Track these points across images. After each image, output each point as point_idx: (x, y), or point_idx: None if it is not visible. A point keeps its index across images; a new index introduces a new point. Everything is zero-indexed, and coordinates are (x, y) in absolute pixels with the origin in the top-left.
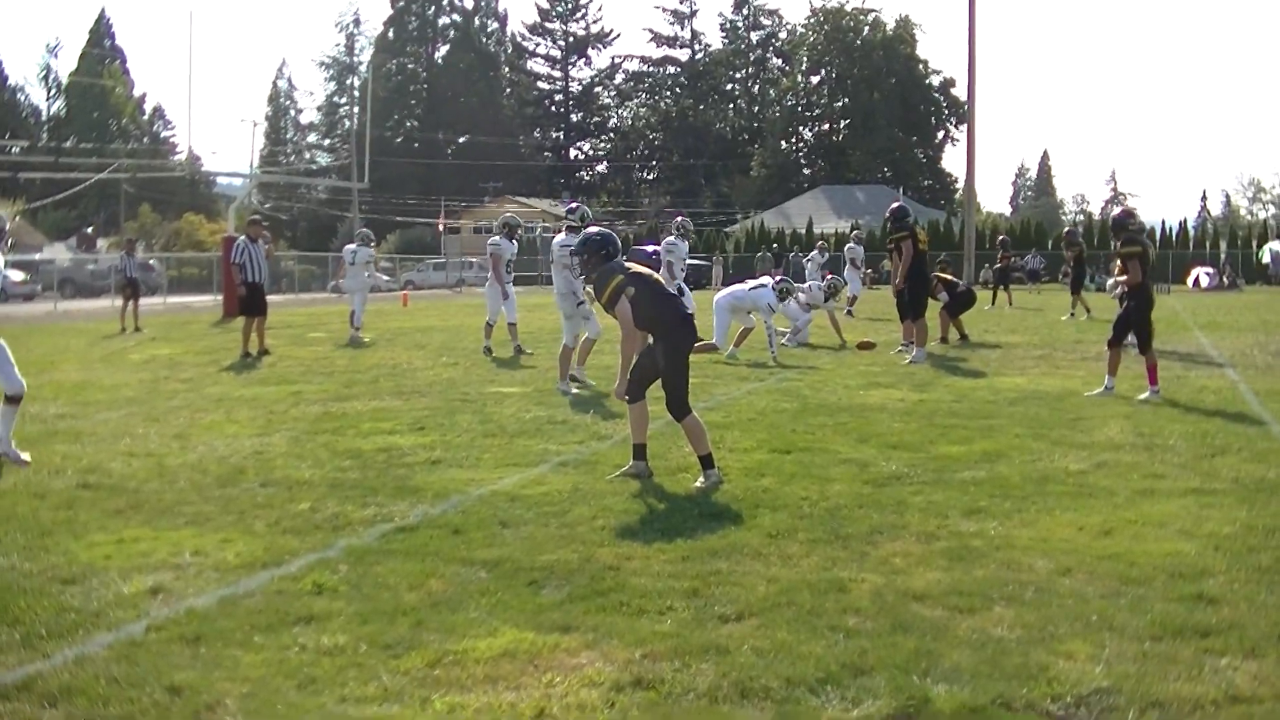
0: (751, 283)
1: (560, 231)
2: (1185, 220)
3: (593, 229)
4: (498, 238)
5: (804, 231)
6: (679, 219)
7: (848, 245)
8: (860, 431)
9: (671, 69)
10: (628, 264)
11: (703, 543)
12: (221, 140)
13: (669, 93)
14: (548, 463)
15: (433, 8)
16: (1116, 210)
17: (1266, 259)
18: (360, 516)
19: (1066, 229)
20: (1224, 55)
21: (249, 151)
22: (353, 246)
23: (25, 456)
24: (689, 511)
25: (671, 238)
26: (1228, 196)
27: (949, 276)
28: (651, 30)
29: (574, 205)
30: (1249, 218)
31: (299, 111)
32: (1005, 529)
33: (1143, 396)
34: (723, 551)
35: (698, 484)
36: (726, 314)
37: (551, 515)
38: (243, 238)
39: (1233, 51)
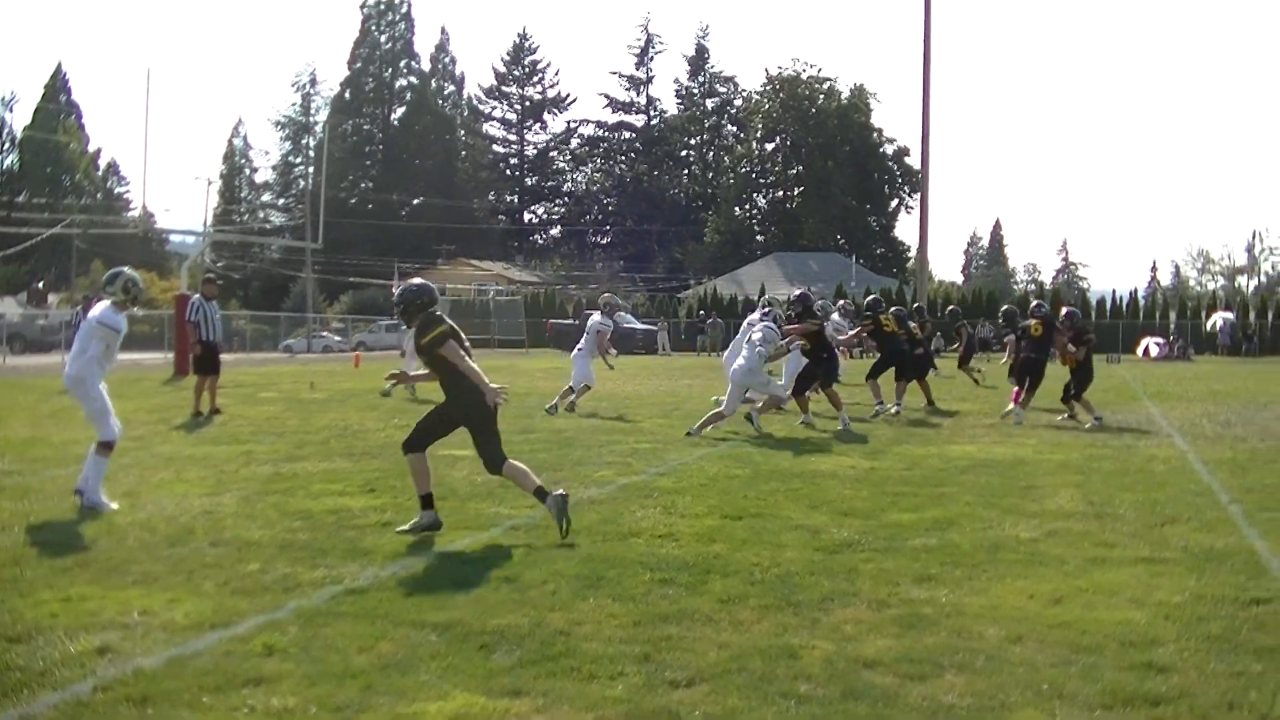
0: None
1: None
2: (1135, 290)
3: (415, 280)
4: (600, 316)
5: (757, 297)
6: (605, 296)
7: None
8: (812, 498)
9: (627, 134)
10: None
11: (654, 608)
12: (175, 197)
13: (624, 158)
14: (499, 526)
15: (390, 69)
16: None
17: (1216, 329)
18: (310, 578)
19: (1005, 307)
20: (1175, 128)
21: (203, 209)
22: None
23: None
24: (640, 576)
25: (598, 316)
26: (1177, 267)
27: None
28: (607, 96)
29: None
30: (1198, 288)
31: (254, 170)
32: (956, 596)
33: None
34: (674, 617)
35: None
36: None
37: (503, 579)
38: (197, 296)
39: (1183, 125)
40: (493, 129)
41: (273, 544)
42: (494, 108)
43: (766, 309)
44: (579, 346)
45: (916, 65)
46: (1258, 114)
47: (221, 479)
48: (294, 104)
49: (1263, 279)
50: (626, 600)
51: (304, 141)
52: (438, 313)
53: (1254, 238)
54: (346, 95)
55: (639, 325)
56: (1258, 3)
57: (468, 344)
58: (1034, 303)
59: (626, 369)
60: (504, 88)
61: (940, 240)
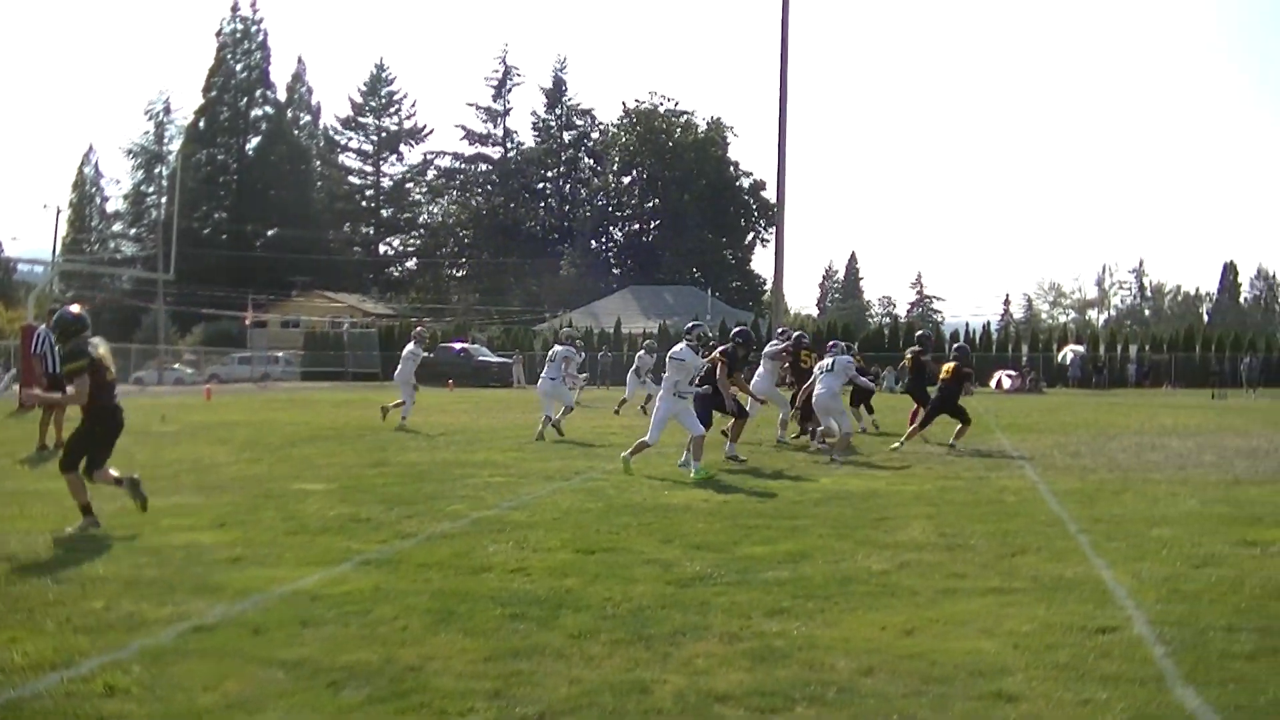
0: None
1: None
2: (988, 323)
3: (73, 308)
4: (562, 346)
5: (612, 331)
6: (565, 330)
7: (639, 354)
8: (665, 532)
9: (484, 166)
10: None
11: (505, 643)
12: (22, 226)
13: (480, 190)
14: (350, 561)
15: (245, 99)
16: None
17: (1066, 361)
18: (157, 615)
19: (920, 332)
20: (1027, 162)
21: (51, 238)
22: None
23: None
24: (492, 611)
25: (560, 347)
26: (1029, 300)
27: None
28: (464, 127)
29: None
30: (1050, 321)
31: (105, 199)
32: (808, 629)
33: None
34: (525, 652)
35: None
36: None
37: (353, 614)
38: (43, 327)
39: (1034, 159)
40: (349, 160)
41: (118, 580)
42: (350, 138)
43: (690, 337)
44: (549, 376)
45: (773, 99)
46: (1109, 149)
47: (67, 514)
48: (147, 132)
49: (1112, 312)
50: (478, 635)
51: (157, 170)
52: (88, 344)
53: (1104, 271)
54: (201, 124)
55: (494, 358)
56: (1107, 41)
57: (113, 374)
58: (956, 345)
59: (481, 402)
60: (360, 118)
61: (796, 273)
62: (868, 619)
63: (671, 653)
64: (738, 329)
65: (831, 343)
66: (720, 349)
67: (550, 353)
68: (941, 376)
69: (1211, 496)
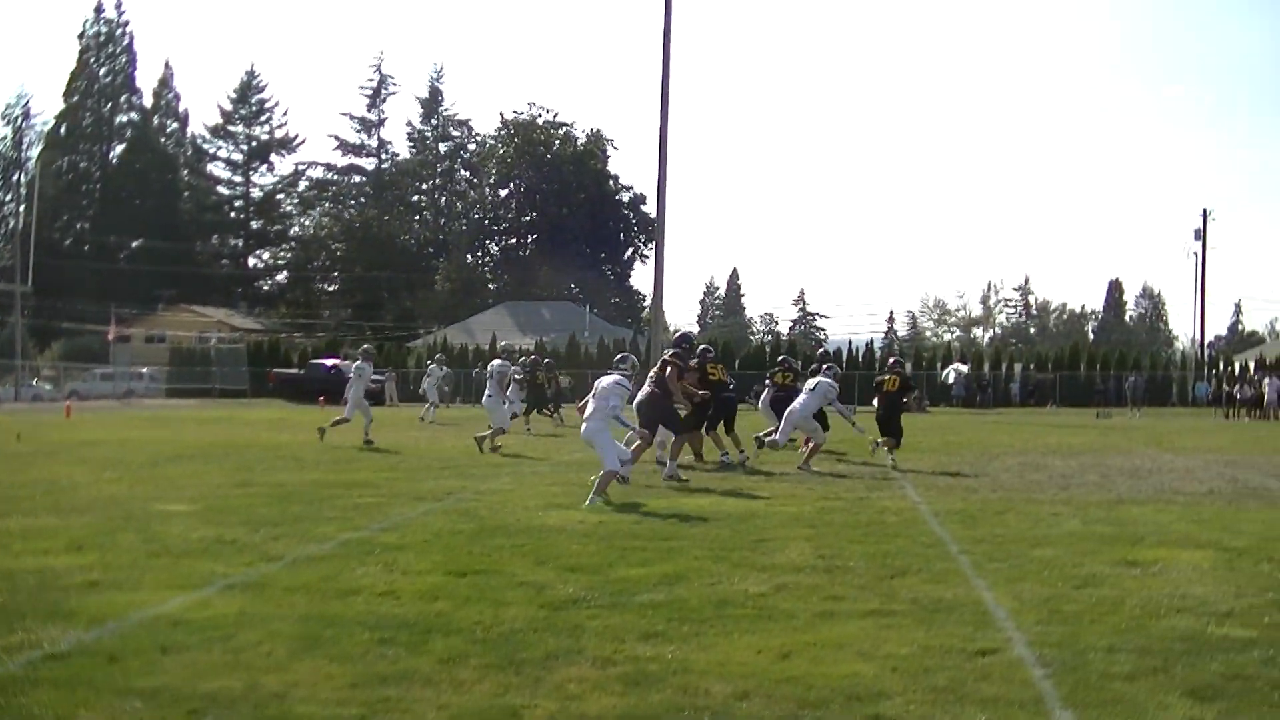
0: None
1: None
2: (872, 341)
3: None
4: (500, 361)
5: (488, 348)
6: (504, 344)
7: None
8: (538, 554)
9: (357, 178)
10: None
11: (373, 669)
12: None
13: (354, 202)
14: (214, 585)
15: (109, 104)
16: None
17: (950, 380)
18: (6, 643)
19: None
20: (910, 177)
21: None
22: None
23: None
24: (360, 636)
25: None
26: (914, 317)
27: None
28: (338, 137)
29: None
30: (934, 339)
31: None
32: (683, 653)
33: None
34: (393, 678)
35: None
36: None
37: (216, 640)
38: None
39: (918, 174)
40: (217, 169)
41: None
42: (219, 147)
43: (624, 366)
44: (488, 393)
45: (654, 111)
46: (994, 165)
47: None
48: (4, 137)
49: (997, 330)
50: (344, 661)
51: (15, 178)
52: None
53: (989, 288)
54: (62, 130)
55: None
56: (989, 57)
57: None
58: (891, 359)
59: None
60: (230, 126)
61: (676, 289)
62: (744, 642)
63: (543, 677)
64: (680, 334)
65: (827, 366)
66: (670, 353)
67: (488, 369)
68: (887, 389)
69: (1094, 516)
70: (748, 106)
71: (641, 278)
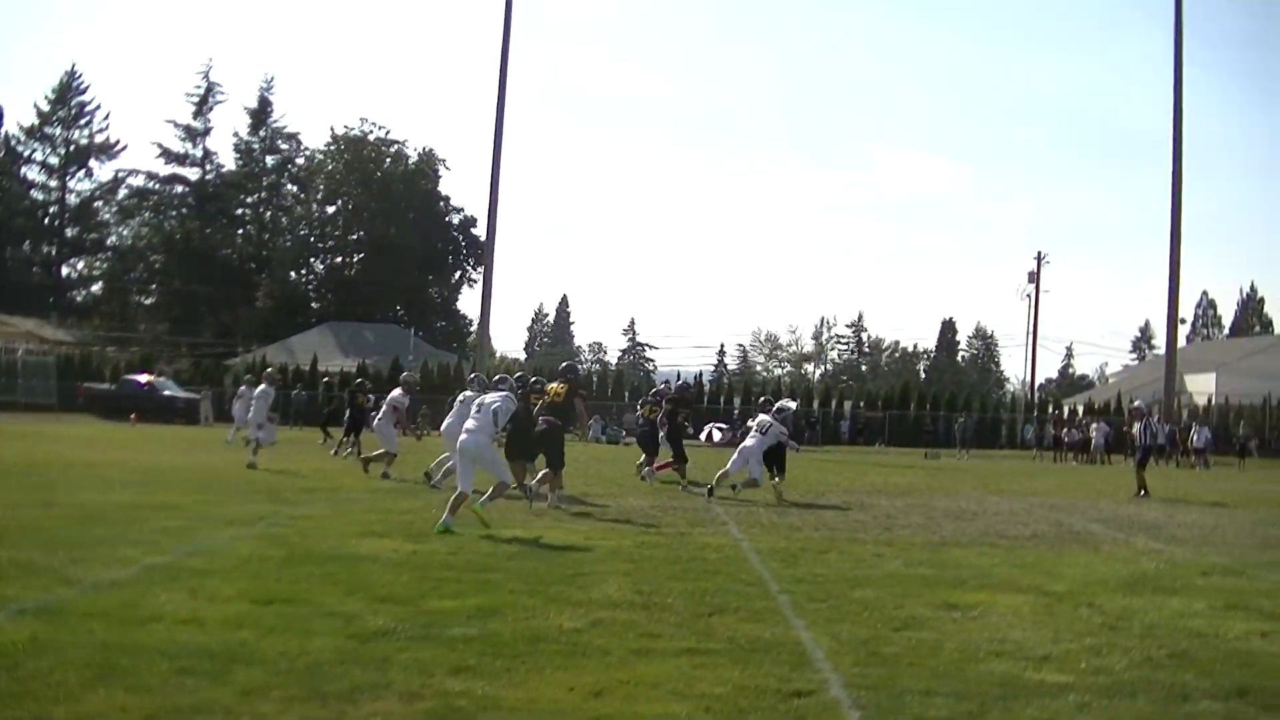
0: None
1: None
2: (700, 374)
3: None
4: (399, 392)
5: (309, 369)
6: (268, 370)
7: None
8: (349, 583)
9: (180, 188)
10: None
11: (171, 699)
12: None
13: (175, 213)
14: (5, 610)
15: None
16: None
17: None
18: None
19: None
20: (744, 209)
21: None
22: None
23: None
24: (158, 665)
25: (264, 386)
26: (745, 351)
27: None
28: (161, 145)
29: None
30: (765, 373)
31: None
32: (493, 689)
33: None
34: (191, 710)
35: None
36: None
37: (3, 669)
38: None
39: (754, 206)
40: (31, 173)
41: None
42: (34, 149)
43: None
44: (379, 416)
45: (488, 131)
46: (825, 201)
47: None
48: None
49: (829, 367)
50: (141, 692)
51: None
52: None
53: (822, 324)
54: None
55: (181, 394)
56: (812, 83)
57: None
58: (773, 403)
59: (165, 439)
60: (46, 129)
61: (504, 315)
62: (556, 679)
63: (347, 711)
64: (566, 364)
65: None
66: (566, 376)
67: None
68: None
69: (916, 558)
70: (581, 132)
71: (469, 302)
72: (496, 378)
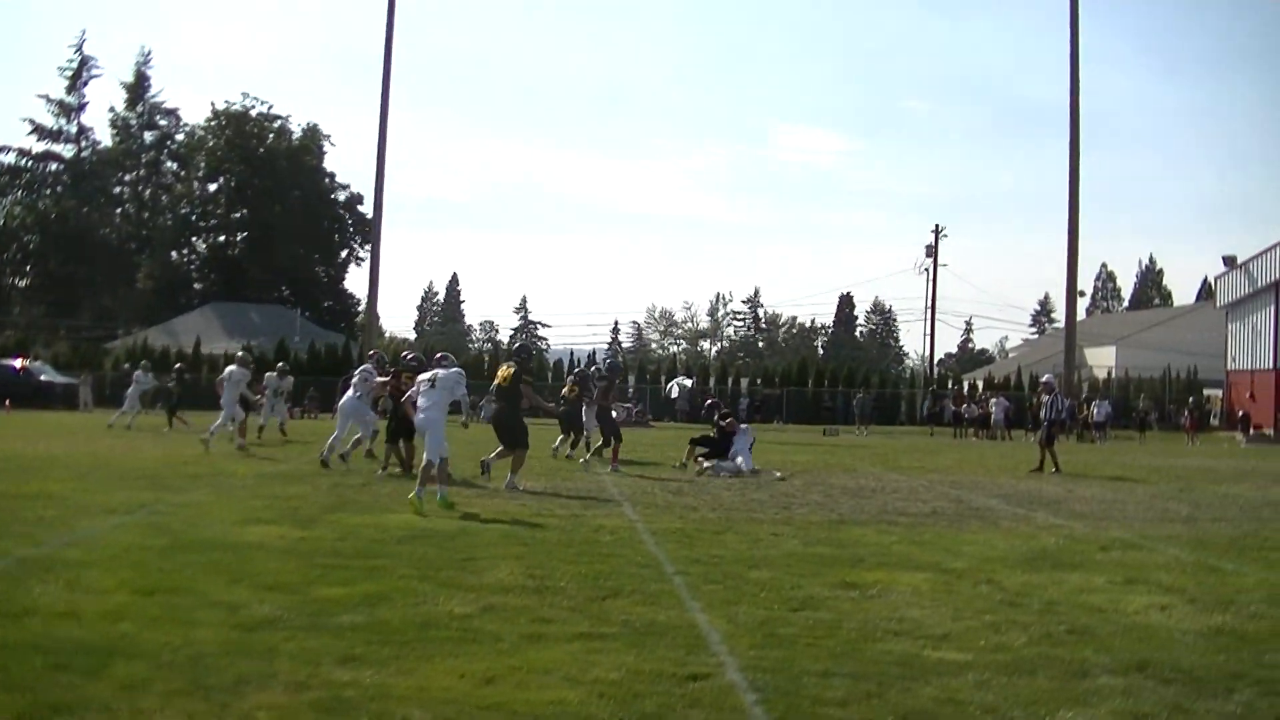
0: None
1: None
2: (594, 352)
3: None
4: (370, 365)
5: (191, 351)
6: (240, 354)
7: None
8: (234, 571)
9: (54, 165)
10: None
11: (45, 696)
12: None
13: (49, 191)
14: None
15: None
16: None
17: (674, 394)
18: None
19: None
20: (633, 184)
21: None
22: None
23: None
24: (32, 661)
25: (236, 368)
26: (639, 328)
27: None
28: (33, 121)
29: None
30: (660, 351)
31: None
32: (382, 677)
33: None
34: (67, 707)
35: None
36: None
37: None
38: None
39: (642, 180)
40: None
41: None
42: None
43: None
44: (349, 397)
45: (373, 107)
46: (721, 176)
47: None
48: None
49: (725, 343)
50: (13, 690)
51: None
52: None
53: (718, 300)
54: None
55: (59, 378)
56: (709, 52)
57: None
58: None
59: (42, 426)
60: None
61: (393, 294)
62: (446, 666)
63: (231, 704)
64: (520, 345)
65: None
66: (518, 356)
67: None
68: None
69: (814, 537)
70: (469, 106)
71: (357, 281)
72: (439, 355)
